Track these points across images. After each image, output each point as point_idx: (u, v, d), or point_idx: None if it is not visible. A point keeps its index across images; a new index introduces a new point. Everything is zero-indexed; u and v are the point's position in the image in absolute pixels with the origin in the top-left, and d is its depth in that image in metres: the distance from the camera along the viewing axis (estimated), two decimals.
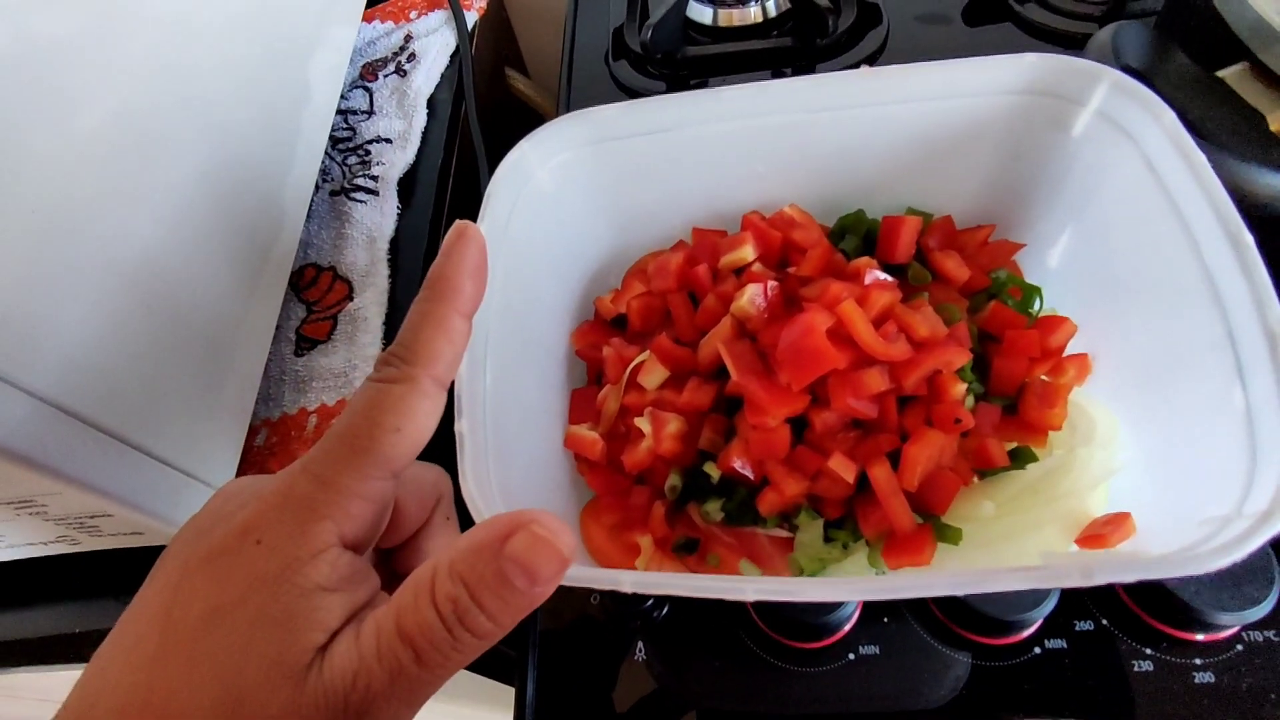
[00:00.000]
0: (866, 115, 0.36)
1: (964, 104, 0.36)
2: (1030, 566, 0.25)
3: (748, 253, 0.38)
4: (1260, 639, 0.39)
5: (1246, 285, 0.27)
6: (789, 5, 0.69)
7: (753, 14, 0.70)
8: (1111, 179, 0.34)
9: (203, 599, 0.21)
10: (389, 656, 0.20)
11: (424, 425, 0.23)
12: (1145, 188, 0.32)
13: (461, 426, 0.30)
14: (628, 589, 0.26)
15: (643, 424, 0.37)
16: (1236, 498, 0.26)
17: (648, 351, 0.38)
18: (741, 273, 0.39)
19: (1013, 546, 0.33)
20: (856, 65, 0.66)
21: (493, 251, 0.27)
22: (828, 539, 0.36)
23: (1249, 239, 0.27)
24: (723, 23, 0.71)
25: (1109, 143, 0.34)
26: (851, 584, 0.26)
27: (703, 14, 0.71)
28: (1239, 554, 0.23)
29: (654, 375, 0.38)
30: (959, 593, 0.24)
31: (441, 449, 0.32)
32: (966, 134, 0.37)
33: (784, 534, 0.36)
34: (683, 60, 0.69)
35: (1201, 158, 0.29)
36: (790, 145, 0.38)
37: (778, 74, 0.67)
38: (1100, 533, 0.31)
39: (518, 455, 0.35)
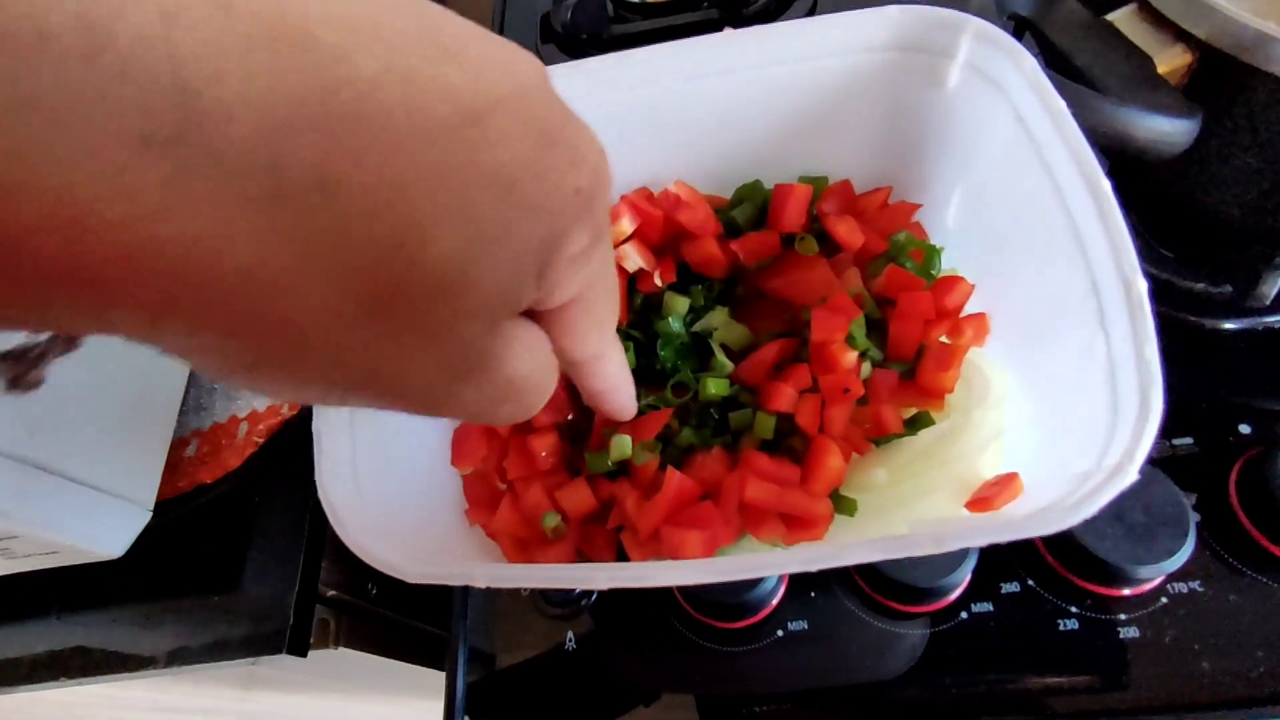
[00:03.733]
0: (740, 80, 0.35)
1: (837, 63, 0.35)
2: (886, 538, 0.24)
3: (625, 226, 0.37)
4: (1184, 590, 0.39)
5: (1104, 233, 0.26)
6: None
7: None
8: (988, 132, 0.33)
9: None
10: None
11: None
12: (1017, 139, 0.31)
13: (317, 425, 0.29)
14: (481, 584, 0.26)
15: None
16: (1100, 450, 0.25)
17: None
18: None
19: (904, 514, 0.32)
20: None
21: None
22: None
23: (1106, 185, 0.27)
24: None
25: (981, 95, 0.33)
26: (700, 567, 0.26)
27: None
28: (1086, 512, 0.23)
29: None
30: (811, 568, 0.24)
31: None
32: (846, 94, 0.36)
33: None
34: (609, 39, 0.68)
35: (1061, 104, 0.28)
36: (668, 117, 0.37)
37: None
38: (988, 495, 0.31)
39: (400, 460, 0.34)
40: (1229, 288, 0.45)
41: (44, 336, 0.18)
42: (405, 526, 0.31)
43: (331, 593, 0.52)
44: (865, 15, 0.33)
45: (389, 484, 0.31)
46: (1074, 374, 0.29)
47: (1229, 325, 0.45)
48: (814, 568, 0.24)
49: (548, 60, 0.69)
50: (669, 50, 0.34)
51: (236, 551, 0.50)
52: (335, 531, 0.29)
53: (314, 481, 0.51)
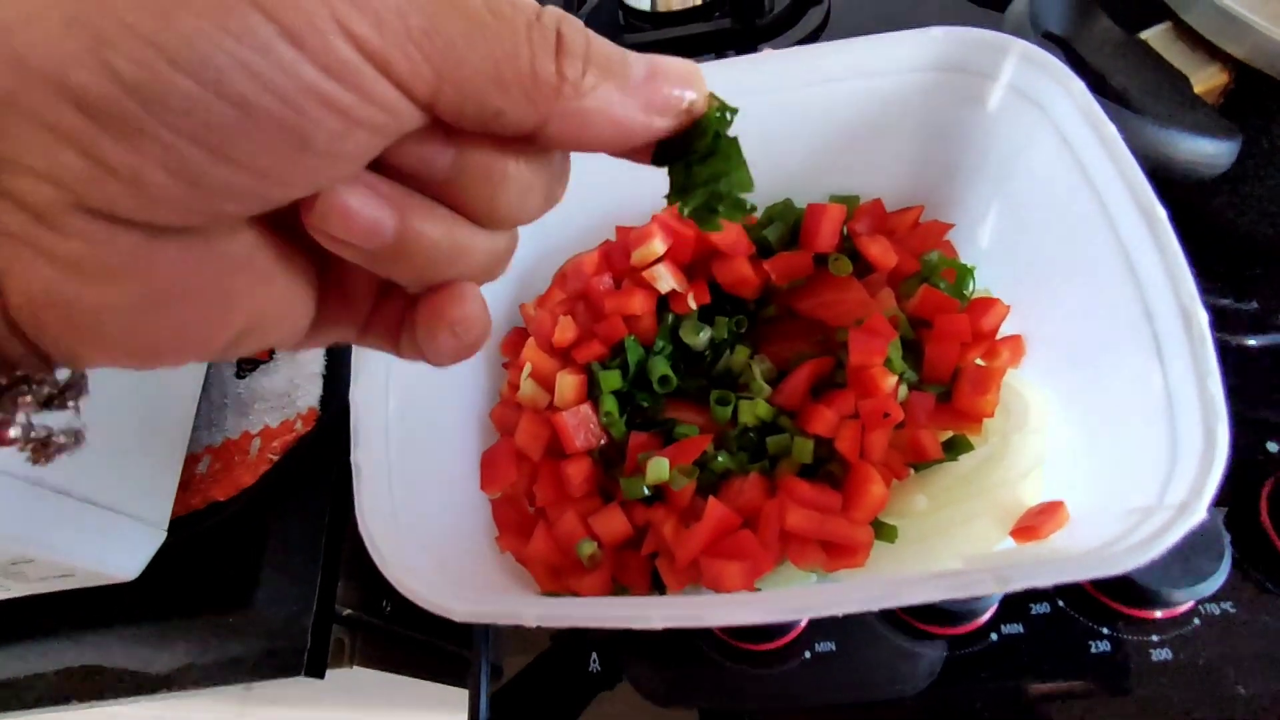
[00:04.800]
0: (778, 100, 0.35)
1: (877, 83, 0.35)
2: (946, 574, 0.24)
3: (656, 247, 0.36)
4: (1217, 612, 0.39)
5: (1160, 260, 0.26)
6: None
7: None
8: (1030, 154, 0.33)
9: None
10: None
11: None
12: (1061, 161, 0.30)
13: (357, 457, 0.28)
14: (531, 623, 0.25)
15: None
16: (1160, 486, 0.25)
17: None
18: None
19: (946, 542, 0.32)
20: (800, 43, 0.64)
21: None
22: None
23: (1161, 213, 0.26)
24: (661, 7, 0.69)
25: (1024, 116, 0.32)
26: (758, 606, 0.25)
27: (641, 0, 0.69)
28: (1155, 551, 0.22)
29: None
30: (873, 608, 0.23)
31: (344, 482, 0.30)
32: (884, 114, 0.36)
33: None
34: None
35: (1112, 129, 0.28)
36: None
37: (720, 58, 0.65)
38: (1033, 524, 0.30)
39: (429, 484, 0.33)
40: (1255, 304, 0.45)
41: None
42: (441, 555, 0.31)
43: (347, 611, 0.51)
44: (907, 36, 0.32)
45: (423, 512, 0.31)
46: (1124, 404, 0.28)
47: (1253, 341, 0.45)
48: (874, 608, 0.23)
49: None
50: (710, 70, 0.34)
51: (251, 570, 0.49)
52: (373, 560, 0.28)
53: (329, 498, 0.50)
